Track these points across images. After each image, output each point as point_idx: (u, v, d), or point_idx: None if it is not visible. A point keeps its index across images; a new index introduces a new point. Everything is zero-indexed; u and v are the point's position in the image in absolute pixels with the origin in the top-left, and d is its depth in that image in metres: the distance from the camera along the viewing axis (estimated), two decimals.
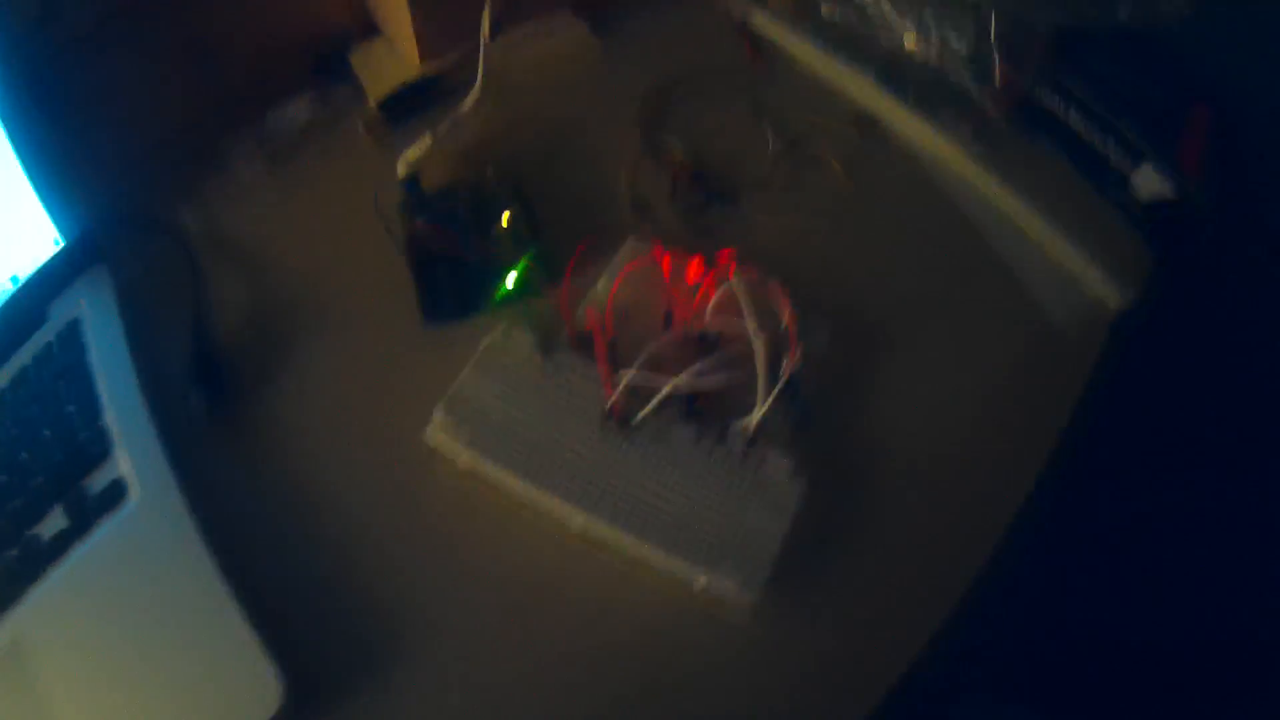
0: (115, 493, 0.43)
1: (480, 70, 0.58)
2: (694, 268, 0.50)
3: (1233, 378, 0.64)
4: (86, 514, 0.43)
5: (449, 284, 0.52)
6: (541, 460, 0.44)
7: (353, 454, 0.47)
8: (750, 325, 0.44)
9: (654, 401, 0.44)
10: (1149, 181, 0.56)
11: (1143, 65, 0.61)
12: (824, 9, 0.65)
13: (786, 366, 0.44)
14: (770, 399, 0.43)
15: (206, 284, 0.53)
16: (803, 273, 0.52)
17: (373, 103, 0.61)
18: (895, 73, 0.62)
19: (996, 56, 0.58)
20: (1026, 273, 0.55)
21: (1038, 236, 0.56)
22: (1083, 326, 0.54)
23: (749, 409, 0.45)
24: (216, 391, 0.49)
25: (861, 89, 0.63)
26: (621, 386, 0.45)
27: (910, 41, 0.61)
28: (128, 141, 0.58)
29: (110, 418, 0.46)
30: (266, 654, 0.39)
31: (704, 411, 0.45)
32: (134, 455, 0.45)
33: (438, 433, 0.45)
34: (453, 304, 0.51)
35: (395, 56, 0.64)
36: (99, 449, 0.45)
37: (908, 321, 0.52)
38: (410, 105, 0.61)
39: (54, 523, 0.43)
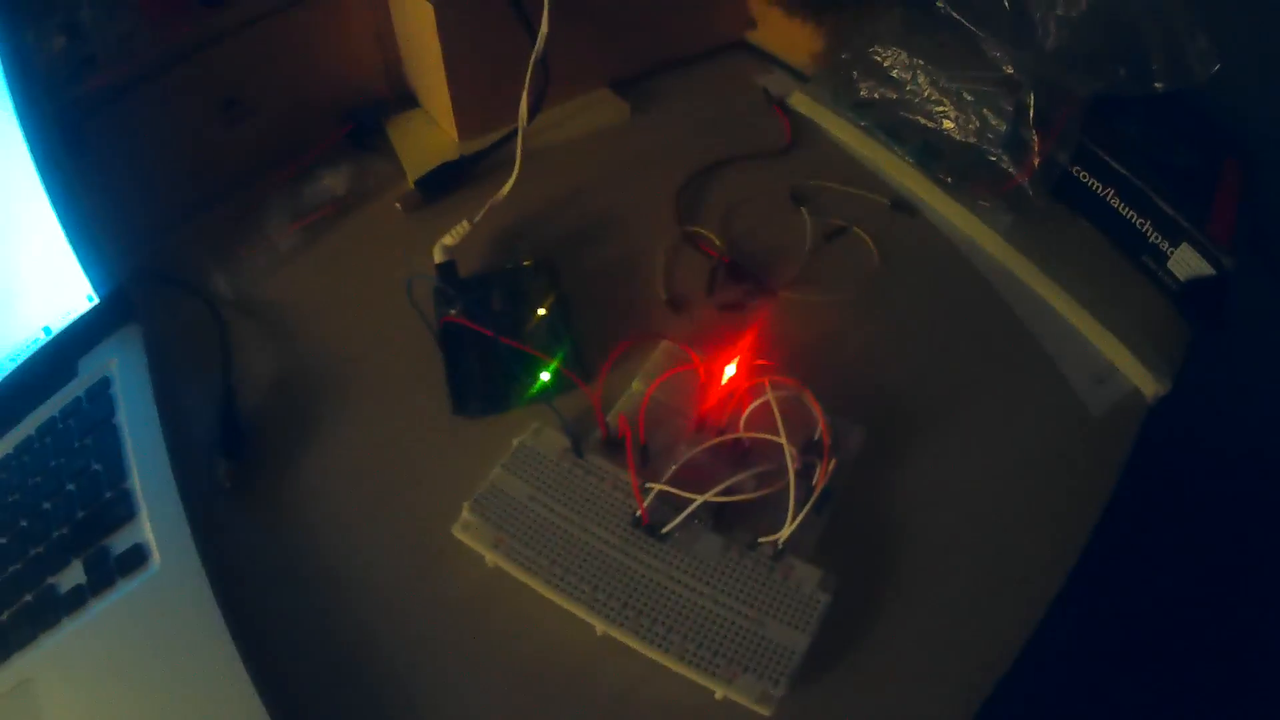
0: (136, 557, 0.43)
1: (519, 153, 0.58)
2: (727, 371, 0.48)
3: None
4: (107, 573, 0.43)
5: (481, 374, 0.51)
6: (566, 566, 0.43)
7: (376, 537, 0.47)
8: (784, 444, 0.43)
9: (683, 514, 0.43)
10: (1188, 261, 0.56)
11: (1170, 125, 0.60)
12: (862, 89, 0.65)
13: (819, 478, 0.43)
14: (800, 515, 0.42)
15: (235, 350, 0.53)
16: (837, 361, 0.53)
17: (411, 183, 0.61)
18: (933, 152, 0.62)
19: (1035, 134, 0.58)
20: (1063, 358, 0.55)
21: (1075, 322, 0.56)
22: (1118, 414, 0.53)
23: (779, 517, 0.44)
24: (241, 461, 0.48)
25: (899, 170, 0.63)
26: (651, 497, 0.44)
27: (949, 121, 0.61)
28: (161, 201, 0.59)
29: (136, 480, 0.46)
30: None
31: (733, 520, 0.44)
32: (157, 522, 0.44)
33: (464, 531, 0.44)
34: (484, 396, 0.50)
35: (432, 128, 0.66)
36: (124, 511, 0.44)
37: (941, 411, 0.52)
38: (447, 183, 0.61)
39: (72, 576, 0.43)
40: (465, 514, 0.45)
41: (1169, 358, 0.54)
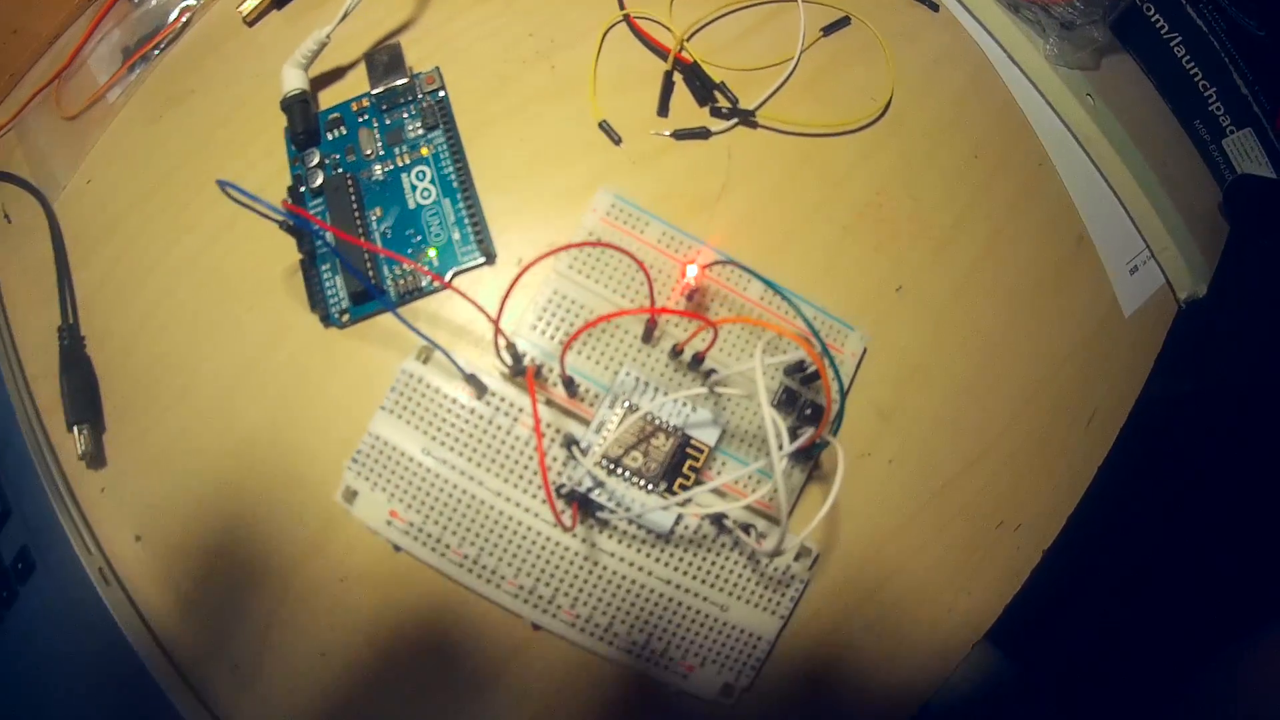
0: (27, 562, 0.32)
1: None
2: (689, 272, 0.31)
3: None
4: (6, 584, 0.32)
5: (350, 271, 0.34)
6: (481, 546, 0.31)
7: (256, 503, 0.33)
8: (769, 426, 0.26)
9: (630, 513, 0.30)
10: (1248, 149, 0.40)
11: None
12: None
13: (803, 442, 0.28)
14: (788, 512, 0.27)
15: (73, 267, 0.36)
16: (832, 220, 0.37)
17: None
18: None
19: None
20: (1099, 231, 0.39)
21: (1118, 187, 0.39)
22: (1149, 313, 0.39)
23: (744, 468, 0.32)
24: (94, 423, 0.34)
25: None
26: (595, 448, 0.30)
27: None
28: None
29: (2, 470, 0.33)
30: None
31: (690, 483, 0.31)
32: (34, 517, 0.33)
33: (348, 502, 0.31)
34: (355, 297, 0.34)
35: None
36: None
37: (957, 293, 0.37)
38: None
39: None
40: (346, 479, 0.31)
41: (1208, 257, 0.40)
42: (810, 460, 0.33)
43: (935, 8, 0.41)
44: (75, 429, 0.33)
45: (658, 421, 0.31)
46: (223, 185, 0.26)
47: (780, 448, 0.25)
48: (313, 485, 0.33)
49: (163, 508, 0.33)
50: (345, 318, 0.34)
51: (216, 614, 0.32)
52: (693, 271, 0.31)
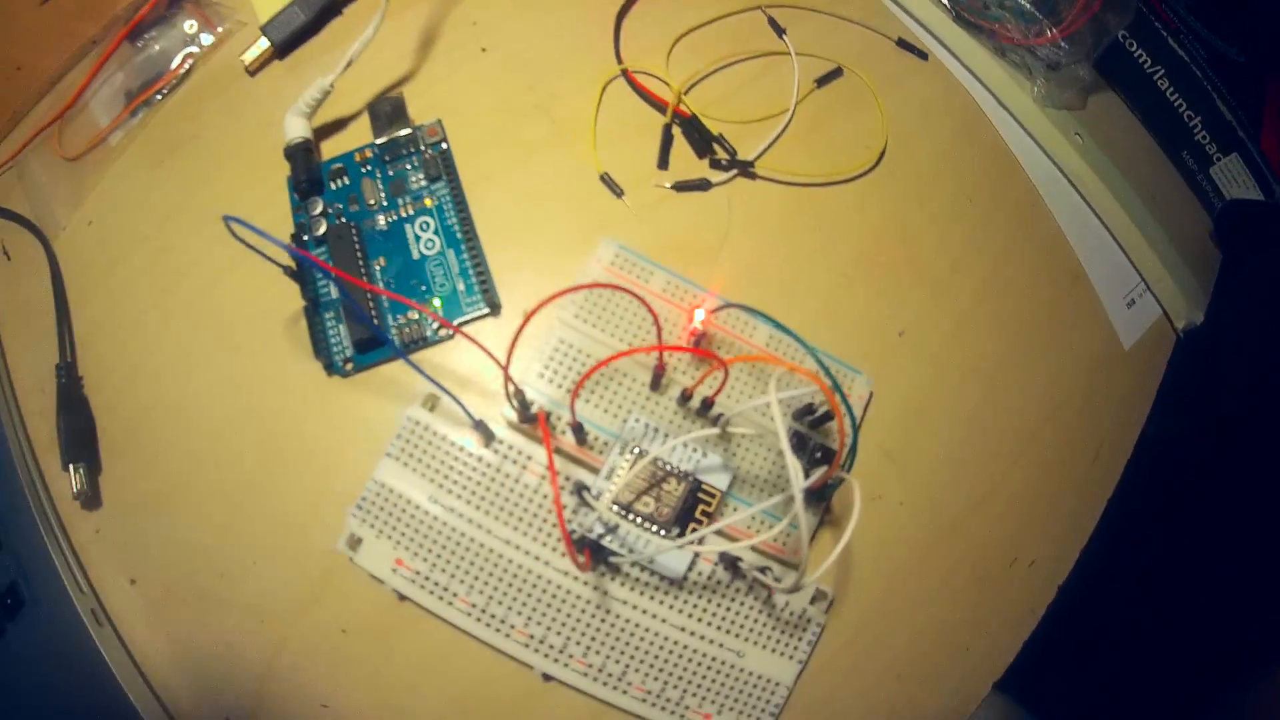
0: (14, 598, 0.31)
1: None
2: (696, 316, 0.32)
3: None
4: None
5: (354, 319, 0.33)
6: (489, 594, 0.30)
7: (253, 551, 0.32)
8: (788, 457, 0.25)
9: (641, 555, 0.29)
10: (1235, 174, 0.41)
11: (1227, 26, 0.43)
12: None
13: (819, 478, 0.28)
14: (811, 539, 0.27)
15: (72, 306, 0.35)
16: (834, 265, 0.37)
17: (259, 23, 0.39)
18: None
19: None
20: (1094, 265, 0.39)
21: (1110, 222, 0.40)
22: (1148, 343, 0.39)
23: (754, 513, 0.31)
24: (90, 463, 0.33)
25: (911, 1, 0.42)
26: (606, 495, 0.30)
27: None
28: None
29: None
30: None
31: (704, 526, 0.30)
32: (23, 550, 0.31)
33: (351, 549, 0.30)
34: (360, 339, 0.33)
35: None
36: None
37: (956, 333, 0.37)
38: (306, 27, 0.39)
39: None
40: (350, 526, 0.30)
41: (1203, 284, 0.40)
42: (823, 503, 0.32)
43: (924, 56, 0.41)
44: (71, 468, 0.32)
45: (668, 467, 0.31)
46: (228, 221, 0.25)
47: (800, 476, 0.25)
48: (314, 533, 0.32)
49: (158, 552, 0.32)
50: (349, 366, 0.34)
51: (213, 661, 0.31)
52: (700, 315, 0.31)
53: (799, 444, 0.32)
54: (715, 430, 0.30)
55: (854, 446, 0.28)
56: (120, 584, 0.32)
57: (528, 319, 0.26)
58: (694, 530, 0.30)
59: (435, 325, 0.34)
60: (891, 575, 0.33)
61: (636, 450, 0.31)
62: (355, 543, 0.30)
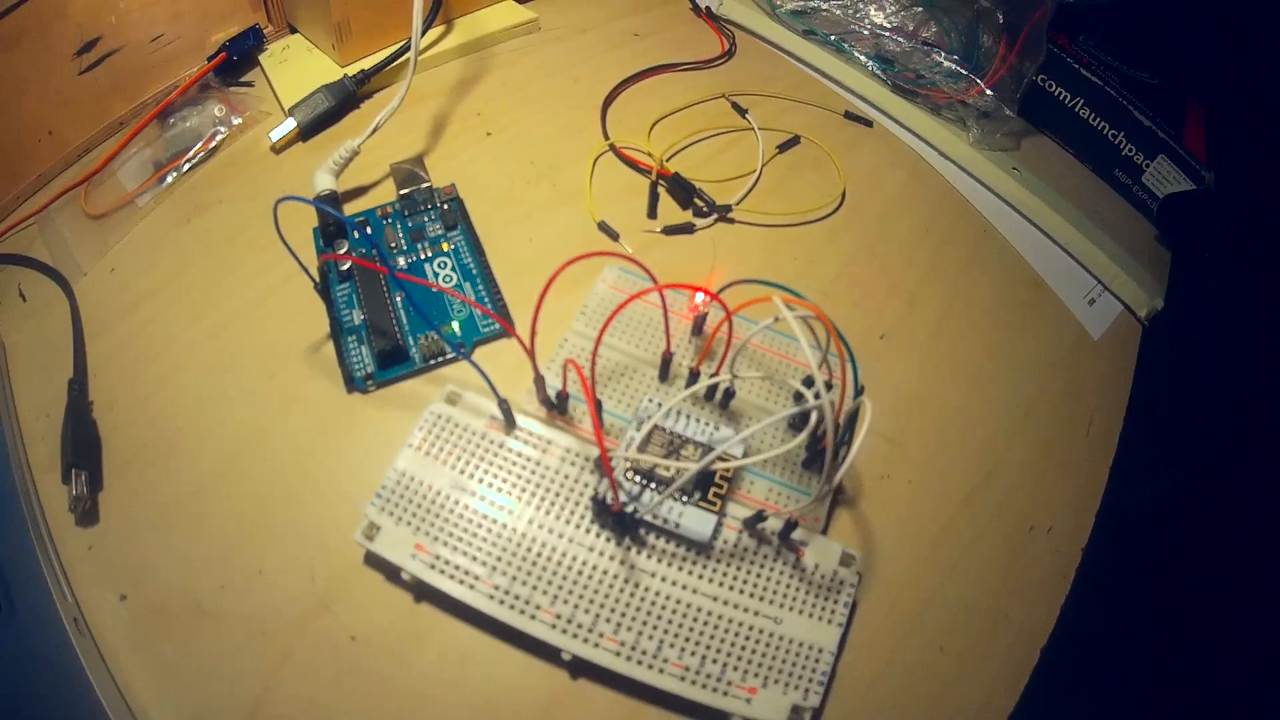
0: None
1: (413, 59, 0.40)
2: (697, 298, 0.34)
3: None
4: None
5: (376, 329, 0.34)
6: (512, 574, 0.28)
7: (264, 560, 0.30)
8: (818, 379, 0.26)
9: (671, 488, 0.27)
10: (1166, 174, 0.44)
11: (1132, 46, 0.48)
12: None
13: (837, 406, 0.28)
14: (840, 472, 0.27)
15: (89, 338, 0.35)
16: (812, 288, 0.39)
17: (285, 109, 0.43)
18: (884, 59, 0.48)
19: (1000, 38, 0.45)
20: (1050, 273, 0.42)
21: (1059, 236, 0.43)
22: (1117, 333, 0.41)
23: (774, 485, 0.31)
24: (93, 471, 0.31)
25: (849, 78, 0.49)
26: (626, 463, 0.29)
27: (896, 23, 0.47)
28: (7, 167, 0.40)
29: None
30: None
31: (719, 493, 0.30)
32: (10, 561, 0.29)
33: (369, 539, 0.28)
34: (382, 355, 0.34)
35: (312, 55, 0.47)
36: None
37: (935, 335, 0.38)
38: (329, 112, 0.44)
39: None
40: (368, 515, 0.29)
41: (1157, 275, 0.43)
42: (834, 469, 0.31)
43: (869, 124, 0.47)
44: (73, 473, 0.30)
45: (684, 437, 0.30)
46: (281, 201, 0.27)
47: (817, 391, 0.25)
48: (326, 541, 0.30)
49: (154, 567, 0.30)
50: (370, 383, 0.34)
51: (205, 680, 0.28)
52: (701, 297, 0.33)
53: (802, 421, 0.31)
54: (726, 377, 0.30)
55: (855, 375, 0.28)
56: (108, 600, 0.29)
57: (550, 281, 0.27)
58: (717, 496, 0.29)
59: (454, 342, 0.35)
60: (916, 551, 0.32)
61: (652, 426, 0.31)
62: (373, 531, 0.29)
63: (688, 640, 0.28)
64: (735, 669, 0.27)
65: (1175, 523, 0.32)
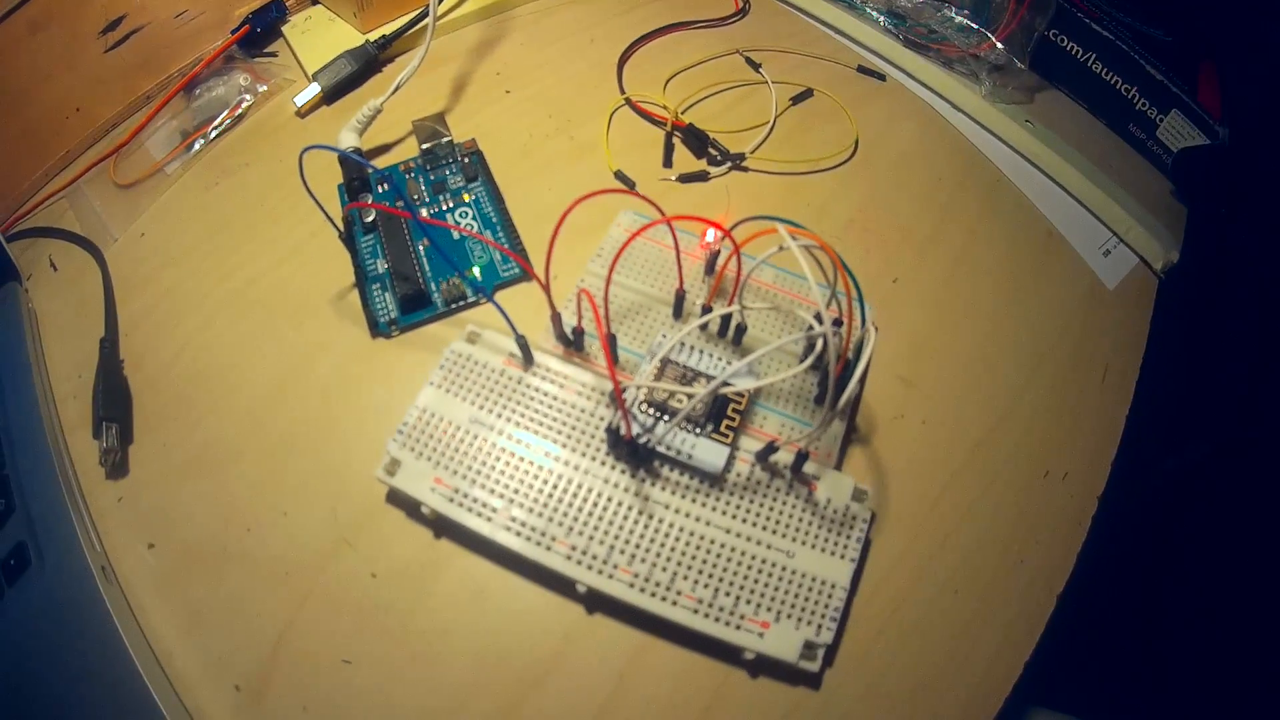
0: (20, 560, 0.28)
1: (431, 21, 0.40)
2: (708, 235, 0.34)
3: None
4: None
5: (399, 275, 0.34)
6: (529, 506, 0.28)
7: (288, 500, 0.30)
8: (822, 306, 0.26)
9: (681, 414, 0.27)
10: (1179, 129, 0.42)
11: (1146, 11, 0.45)
12: None
13: (838, 365, 0.27)
14: (843, 400, 0.26)
15: (120, 301, 0.36)
16: (825, 213, 0.38)
17: (309, 75, 0.43)
18: (896, 14, 0.46)
19: None
20: (1064, 225, 0.40)
21: (1074, 189, 0.41)
22: (1132, 284, 0.39)
23: (786, 418, 0.30)
24: (123, 423, 0.32)
25: (861, 33, 0.47)
26: (639, 395, 0.29)
27: None
28: (38, 142, 0.40)
29: (14, 468, 0.30)
30: None
31: (731, 426, 0.29)
32: (40, 514, 0.29)
33: (390, 474, 0.28)
34: (405, 299, 0.34)
35: (334, 24, 0.47)
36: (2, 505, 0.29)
37: (948, 280, 0.37)
38: (351, 76, 0.43)
39: None
40: (389, 451, 0.29)
41: (1172, 229, 0.41)
42: (838, 393, 0.31)
43: (882, 78, 0.46)
44: (104, 426, 0.30)
45: (697, 370, 0.30)
46: (307, 149, 0.27)
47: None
48: (350, 482, 0.30)
49: (181, 516, 0.30)
50: (394, 328, 0.34)
51: (228, 621, 0.28)
52: (713, 234, 0.32)
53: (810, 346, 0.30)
54: (736, 308, 0.30)
55: (861, 306, 0.27)
56: (137, 549, 0.30)
57: (565, 214, 0.27)
58: (729, 428, 0.29)
59: (475, 285, 0.35)
60: (930, 492, 0.31)
61: (666, 361, 0.30)
62: (394, 466, 0.29)
63: (700, 573, 0.27)
64: (748, 603, 0.27)
65: (1200, 480, 0.31)
